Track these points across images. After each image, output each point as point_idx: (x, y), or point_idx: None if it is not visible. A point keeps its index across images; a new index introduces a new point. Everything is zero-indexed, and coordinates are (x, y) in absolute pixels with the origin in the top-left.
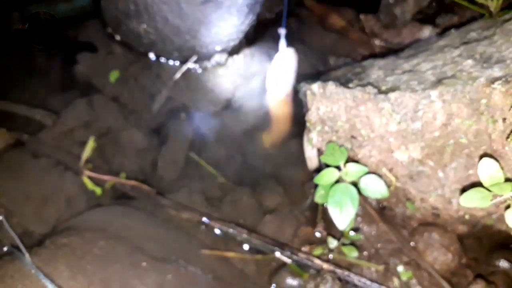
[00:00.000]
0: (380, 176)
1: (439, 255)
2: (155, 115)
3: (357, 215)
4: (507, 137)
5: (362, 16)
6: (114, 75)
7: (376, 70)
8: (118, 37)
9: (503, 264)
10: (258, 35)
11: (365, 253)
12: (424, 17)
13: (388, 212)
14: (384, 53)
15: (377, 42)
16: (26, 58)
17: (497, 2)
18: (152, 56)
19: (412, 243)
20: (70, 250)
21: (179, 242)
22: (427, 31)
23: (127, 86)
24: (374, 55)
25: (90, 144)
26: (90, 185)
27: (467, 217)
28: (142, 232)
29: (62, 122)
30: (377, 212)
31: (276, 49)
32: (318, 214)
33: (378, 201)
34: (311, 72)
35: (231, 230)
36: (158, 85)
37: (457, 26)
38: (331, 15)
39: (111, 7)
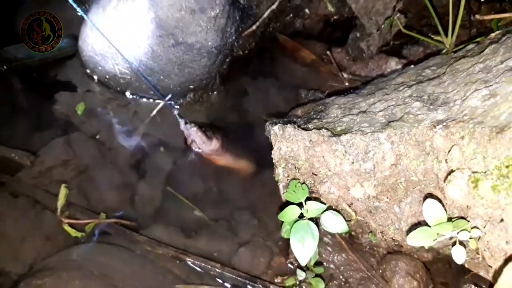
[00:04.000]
0: (339, 211)
1: (405, 282)
2: (133, 151)
3: (327, 244)
4: (444, 180)
5: (330, 50)
6: (80, 108)
7: (335, 109)
8: (95, 77)
9: None
10: (231, 72)
11: (335, 281)
12: (391, 49)
13: (356, 240)
14: (350, 88)
15: (345, 75)
16: (5, 98)
17: (451, 39)
18: (128, 94)
19: (380, 271)
20: None
21: (154, 277)
22: (393, 63)
23: (105, 123)
24: (343, 89)
25: (63, 192)
26: (72, 232)
27: (426, 247)
28: (117, 269)
29: (41, 161)
30: (346, 241)
31: (249, 85)
32: (290, 246)
33: (348, 231)
34: (283, 105)
35: (203, 265)
36: (135, 122)
37: (421, 58)
38: (303, 49)
39: (88, 49)
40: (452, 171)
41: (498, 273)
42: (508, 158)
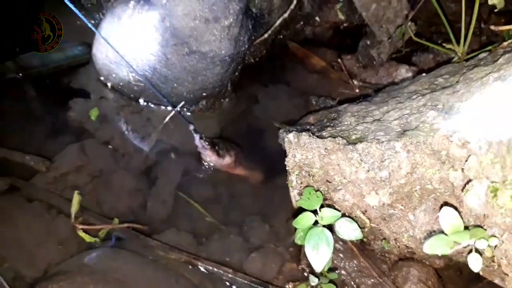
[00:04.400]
0: (354, 218)
1: None
2: (145, 157)
3: (339, 250)
4: (462, 189)
5: (340, 58)
6: (94, 113)
7: (348, 117)
8: (109, 84)
9: None
10: (243, 79)
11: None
12: (401, 56)
13: (368, 247)
14: (361, 95)
15: (355, 82)
16: (20, 106)
17: (463, 48)
18: (142, 101)
19: (391, 278)
20: None
21: (167, 282)
22: (403, 70)
23: (119, 130)
24: (353, 97)
25: (76, 199)
26: (87, 238)
27: (439, 255)
28: (131, 273)
29: (55, 167)
30: (358, 247)
31: (259, 92)
32: (302, 251)
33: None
34: (294, 112)
35: (216, 270)
36: (148, 128)
37: (432, 66)
38: (313, 56)
39: (102, 56)
40: (469, 180)
41: None
42: None
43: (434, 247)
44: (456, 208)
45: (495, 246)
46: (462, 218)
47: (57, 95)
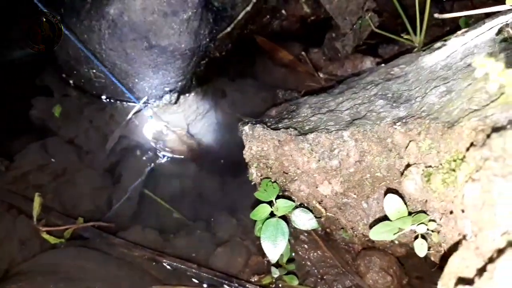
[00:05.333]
0: (310, 208)
1: (379, 278)
2: (109, 155)
3: (303, 241)
4: (401, 174)
5: (306, 51)
6: (57, 110)
7: (306, 109)
8: (71, 81)
9: None
10: (209, 73)
11: (311, 278)
12: (367, 48)
13: (332, 237)
14: (327, 87)
15: (321, 74)
16: None
17: (420, 38)
18: (104, 98)
19: (355, 267)
20: None
21: (131, 279)
22: (368, 62)
23: (82, 127)
24: (319, 89)
25: (37, 201)
26: (51, 239)
27: (396, 242)
28: (94, 272)
29: (16, 166)
30: (322, 238)
31: (227, 86)
32: None
33: (323, 227)
34: (261, 105)
35: (180, 266)
36: (112, 125)
37: (395, 56)
38: (280, 50)
39: (63, 53)
40: (408, 165)
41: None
42: (457, 152)
43: (379, 233)
44: (402, 196)
45: (438, 231)
46: (408, 205)
47: (18, 93)
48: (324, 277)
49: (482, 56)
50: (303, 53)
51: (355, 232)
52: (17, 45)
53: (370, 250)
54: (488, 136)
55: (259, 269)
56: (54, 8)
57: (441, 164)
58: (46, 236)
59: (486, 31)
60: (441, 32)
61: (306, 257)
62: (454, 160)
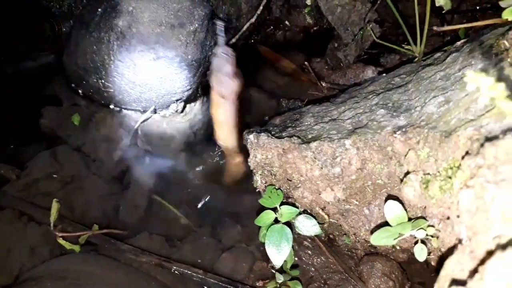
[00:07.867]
0: (313, 215)
1: (381, 283)
2: (117, 162)
3: (307, 247)
4: (401, 181)
5: (309, 60)
6: (76, 119)
7: (309, 118)
8: (80, 91)
9: None
10: None
11: (315, 284)
12: (369, 58)
13: (335, 243)
14: (330, 96)
15: (324, 83)
16: None
17: (420, 48)
18: (113, 107)
19: (358, 273)
20: None
21: (138, 284)
22: (370, 71)
23: (90, 136)
24: (322, 98)
25: (55, 207)
26: (67, 245)
27: (398, 247)
28: (102, 278)
29: (27, 174)
30: (326, 244)
31: None
32: None
33: (326, 233)
34: (265, 114)
35: (186, 271)
36: (120, 133)
37: (397, 66)
38: (284, 60)
39: (72, 64)
40: (408, 173)
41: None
42: (453, 160)
43: (380, 239)
44: (402, 202)
45: (438, 236)
46: (408, 211)
47: (29, 103)
48: (328, 283)
49: (473, 71)
50: (306, 62)
51: (358, 238)
52: (26, 57)
53: (372, 256)
54: (482, 145)
55: (264, 275)
56: (65, 20)
57: (438, 172)
58: (62, 241)
59: (483, 43)
60: (441, 42)
61: (310, 262)
62: (451, 168)
